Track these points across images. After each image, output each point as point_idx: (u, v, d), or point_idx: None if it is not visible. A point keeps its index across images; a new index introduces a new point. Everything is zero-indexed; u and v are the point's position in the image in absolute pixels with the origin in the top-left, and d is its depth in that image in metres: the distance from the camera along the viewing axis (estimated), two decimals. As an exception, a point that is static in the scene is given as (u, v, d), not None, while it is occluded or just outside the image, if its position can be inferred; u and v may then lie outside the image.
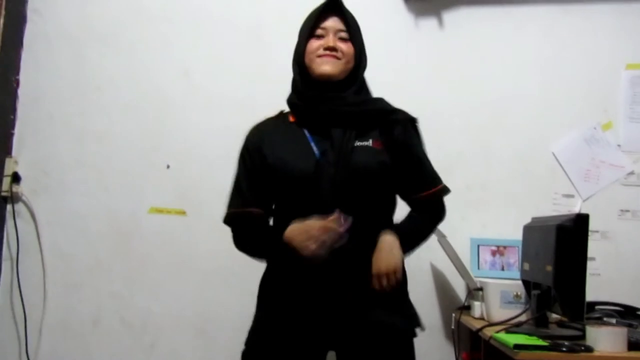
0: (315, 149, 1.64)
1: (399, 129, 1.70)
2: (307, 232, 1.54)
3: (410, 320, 1.73)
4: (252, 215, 1.67)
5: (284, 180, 1.63)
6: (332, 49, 1.66)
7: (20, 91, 2.56)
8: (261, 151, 1.68)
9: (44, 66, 2.58)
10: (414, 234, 1.73)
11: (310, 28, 1.69)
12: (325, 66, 1.66)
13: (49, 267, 2.49)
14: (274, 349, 1.63)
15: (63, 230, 2.51)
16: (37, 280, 2.48)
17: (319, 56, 1.66)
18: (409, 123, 1.74)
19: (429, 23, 2.57)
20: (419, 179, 1.72)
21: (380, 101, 1.74)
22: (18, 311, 2.47)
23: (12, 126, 2.53)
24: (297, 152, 1.64)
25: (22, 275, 2.47)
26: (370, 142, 1.65)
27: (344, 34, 1.70)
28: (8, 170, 2.48)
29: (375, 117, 1.70)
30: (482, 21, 2.56)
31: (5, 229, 2.51)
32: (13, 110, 2.54)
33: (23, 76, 2.57)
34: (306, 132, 1.68)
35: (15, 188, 2.48)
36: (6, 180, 2.47)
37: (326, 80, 1.67)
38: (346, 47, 1.69)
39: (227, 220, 1.71)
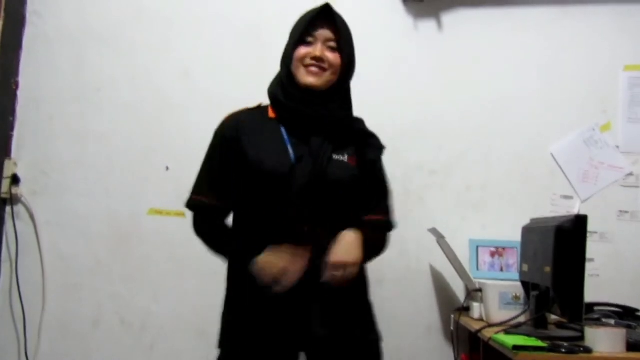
0: (291, 152, 1.62)
1: (373, 154, 1.73)
2: (280, 268, 1.54)
3: (371, 332, 1.71)
4: (220, 209, 1.68)
5: (257, 178, 1.61)
6: (319, 59, 1.64)
7: (19, 93, 2.55)
8: (238, 143, 1.65)
9: (44, 68, 2.57)
10: (374, 243, 1.69)
11: (300, 34, 1.67)
12: (310, 78, 1.65)
13: (49, 268, 2.48)
14: (247, 351, 1.61)
15: (62, 231, 2.50)
16: (36, 281, 2.47)
17: (305, 65, 1.65)
18: (382, 151, 1.76)
19: (428, 25, 2.57)
20: (375, 203, 1.72)
21: (362, 122, 1.75)
22: (17, 312, 2.45)
23: (12, 128, 2.52)
24: (274, 152, 1.63)
25: (21, 277, 2.46)
26: (345, 158, 1.66)
27: (332, 44, 1.67)
28: (7, 172, 2.46)
29: (354, 136, 1.71)
30: (480, 23, 2.57)
31: (4, 230, 2.49)
32: (12, 111, 2.53)
33: (22, 78, 2.56)
34: (284, 131, 1.65)
35: (14, 190, 2.47)
36: (5, 182, 2.46)
37: (309, 89, 1.65)
38: (333, 58, 1.67)
39: (192, 205, 1.70)
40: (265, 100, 1.73)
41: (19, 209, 2.50)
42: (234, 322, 1.65)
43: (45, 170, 2.51)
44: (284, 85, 1.69)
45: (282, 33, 1.74)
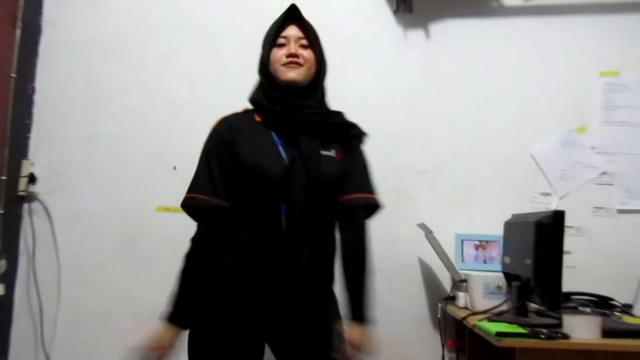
0: (283, 154, 1.63)
1: (356, 142, 1.74)
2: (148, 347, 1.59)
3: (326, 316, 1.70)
4: (218, 208, 1.63)
5: (256, 181, 1.61)
6: (294, 55, 1.66)
7: (35, 97, 2.57)
8: (233, 147, 1.64)
9: (58, 74, 2.58)
10: (367, 300, 1.68)
11: (273, 37, 1.69)
12: (291, 73, 1.65)
13: (64, 262, 2.50)
14: (217, 337, 1.63)
15: (77, 227, 2.51)
16: (52, 275, 2.49)
17: (284, 64, 1.66)
18: (363, 138, 1.76)
19: (417, 34, 2.58)
20: (354, 182, 1.70)
21: (342, 115, 1.75)
22: (34, 304, 2.48)
23: (29, 130, 2.54)
24: (269, 155, 1.63)
25: (38, 270, 2.49)
26: (333, 153, 1.67)
27: (304, 42, 1.69)
28: (24, 171, 2.48)
29: (337, 130, 1.72)
30: (466, 33, 2.58)
31: (22, 226, 2.51)
32: (29, 115, 2.55)
33: (38, 83, 2.58)
34: (274, 134, 1.66)
35: (31, 188, 2.49)
36: (23, 181, 2.48)
37: (292, 87, 1.66)
38: (307, 54, 1.68)
39: (188, 204, 1.67)
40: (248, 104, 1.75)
41: (36, 206, 2.52)
42: (205, 307, 1.64)
43: (60, 170, 2.53)
44: (266, 89, 1.69)
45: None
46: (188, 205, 1.68)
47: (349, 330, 1.58)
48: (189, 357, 1.66)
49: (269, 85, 1.69)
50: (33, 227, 2.51)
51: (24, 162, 2.50)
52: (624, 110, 2.52)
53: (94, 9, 2.62)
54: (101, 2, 2.62)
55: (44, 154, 2.54)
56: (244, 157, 1.62)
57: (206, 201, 1.64)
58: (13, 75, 2.41)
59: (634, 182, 2.49)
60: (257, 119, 1.70)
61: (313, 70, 1.70)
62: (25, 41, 2.48)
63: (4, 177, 2.37)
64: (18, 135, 2.47)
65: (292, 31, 1.70)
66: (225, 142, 1.66)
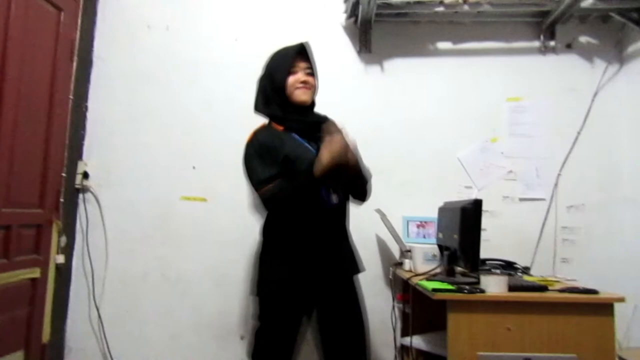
0: (309, 147, 1.64)
1: None
2: (329, 147, 1.51)
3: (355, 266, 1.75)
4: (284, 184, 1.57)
5: (297, 167, 1.58)
6: (305, 82, 1.67)
7: (88, 114, 2.52)
8: (280, 149, 1.61)
9: (106, 96, 2.54)
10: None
11: (289, 66, 1.67)
12: (304, 96, 1.66)
13: (110, 238, 2.47)
14: (285, 300, 1.61)
15: (120, 212, 2.48)
16: (101, 248, 2.46)
17: (297, 88, 1.65)
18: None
19: (374, 69, 2.57)
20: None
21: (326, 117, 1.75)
22: (87, 270, 2.44)
23: (83, 138, 2.50)
24: (304, 150, 1.63)
25: (90, 244, 2.45)
26: None
27: (309, 70, 1.69)
28: (80, 169, 2.44)
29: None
30: (411, 68, 2.57)
31: (78, 212, 2.47)
32: (83, 127, 2.50)
33: (90, 103, 2.53)
34: (296, 136, 1.66)
35: (85, 182, 2.46)
36: (78, 177, 2.44)
37: (304, 105, 1.67)
38: (312, 80, 1.69)
39: (268, 195, 1.56)
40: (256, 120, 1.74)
41: (89, 196, 2.48)
42: (278, 279, 1.60)
43: (108, 169, 2.49)
44: (284, 106, 1.67)
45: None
46: (266, 197, 1.56)
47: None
48: (261, 320, 1.62)
49: (285, 102, 1.66)
50: (87, 212, 2.46)
51: (80, 163, 2.46)
52: (524, 126, 2.53)
53: (133, 47, 2.57)
54: (139, 42, 2.57)
55: (94, 157, 2.50)
56: (289, 152, 1.59)
57: (275, 185, 1.56)
58: (71, 97, 2.36)
59: (531, 178, 2.50)
60: (280, 128, 1.66)
61: (315, 92, 1.71)
62: (80, 71, 2.42)
63: (64, 174, 2.33)
64: (75, 143, 2.43)
65: (301, 62, 1.68)
66: (271, 145, 1.61)
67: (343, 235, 1.73)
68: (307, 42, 1.71)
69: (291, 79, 1.66)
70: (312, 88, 1.69)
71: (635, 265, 2.36)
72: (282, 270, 1.61)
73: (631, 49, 2.47)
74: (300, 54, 1.69)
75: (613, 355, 1.59)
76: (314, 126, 1.66)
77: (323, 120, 1.70)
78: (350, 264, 1.73)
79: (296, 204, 1.58)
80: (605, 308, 1.60)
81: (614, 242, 2.44)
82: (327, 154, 1.51)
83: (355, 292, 1.72)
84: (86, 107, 2.52)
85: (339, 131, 1.56)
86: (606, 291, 1.69)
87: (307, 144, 1.65)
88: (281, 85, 1.65)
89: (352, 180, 1.69)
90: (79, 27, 2.40)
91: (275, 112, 1.68)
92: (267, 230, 1.69)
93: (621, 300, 1.61)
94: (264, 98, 1.70)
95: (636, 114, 2.42)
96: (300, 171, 1.56)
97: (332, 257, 1.65)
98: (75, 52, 2.37)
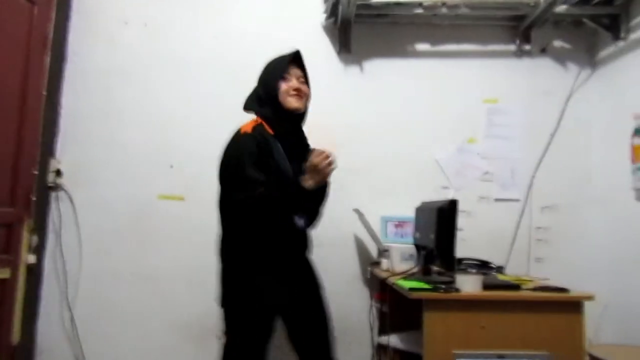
0: (287, 163, 1.62)
1: None
2: (316, 171, 1.53)
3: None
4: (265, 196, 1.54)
5: (280, 179, 1.58)
6: (299, 89, 1.67)
7: (62, 110, 2.46)
8: (271, 151, 1.59)
9: (80, 93, 2.48)
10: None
11: (281, 73, 1.66)
12: (297, 103, 1.67)
13: (84, 237, 2.42)
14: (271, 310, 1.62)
15: (94, 210, 2.43)
16: (74, 247, 2.41)
17: (290, 95, 1.66)
18: None
19: (354, 69, 2.57)
20: None
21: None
22: (60, 270, 2.39)
23: (56, 135, 2.44)
24: (286, 162, 1.62)
25: (63, 244, 2.40)
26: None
27: (302, 79, 1.70)
28: (53, 167, 2.39)
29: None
30: (389, 69, 2.58)
31: (50, 210, 2.42)
32: (57, 123, 2.45)
33: (64, 99, 2.47)
34: (281, 148, 1.63)
35: (58, 180, 2.40)
36: (51, 175, 2.38)
37: (296, 112, 1.68)
38: (305, 88, 1.70)
39: (254, 201, 1.52)
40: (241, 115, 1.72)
41: (62, 194, 2.42)
42: (265, 287, 1.58)
43: (81, 167, 2.44)
44: (276, 111, 1.66)
45: (255, 73, 1.76)
46: (252, 203, 1.53)
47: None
48: (238, 328, 1.60)
49: (277, 108, 1.65)
50: (59, 211, 2.41)
51: (52, 160, 2.40)
52: (500, 128, 2.55)
53: (109, 43, 2.52)
54: (116, 38, 2.53)
55: (68, 154, 2.45)
56: (277, 160, 1.58)
57: (259, 196, 1.53)
58: (44, 92, 2.30)
59: (506, 179, 2.53)
60: (269, 131, 1.64)
61: (308, 100, 1.71)
62: (54, 67, 2.36)
63: (36, 172, 2.27)
64: (47, 139, 2.37)
65: (295, 70, 1.69)
66: (261, 147, 1.58)
67: (307, 258, 1.78)
68: (299, 50, 1.72)
69: (284, 86, 1.66)
70: (305, 96, 1.69)
71: (605, 264, 2.42)
72: (261, 283, 1.59)
73: (602, 54, 2.53)
74: (294, 61, 1.70)
75: (583, 351, 1.62)
76: (300, 145, 1.68)
77: (307, 144, 1.74)
78: (317, 281, 1.79)
79: (277, 217, 1.56)
80: (575, 306, 1.63)
81: (585, 242, 2.49)
82: (314, 176, 1.53)
83: (321, 300, 1.77)
84: (60, 103, 2.46)
85: (326, 161, 1.56)
86: (577, 289, 1.73)
87: (287, 161, 1.63)
88: (274, 91, 1.65)
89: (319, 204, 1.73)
90: (52, 21, 2.33)
91: (268, 113, 1.67)
92: (239, 243, 1.63)
93: (590, 298, 1.64)
94: (258, 99, 1.70)
95: (607, 118, 2.48)
96: (288, 184, 1.55)
97: (302, 275, 1.71)
98: (49, 46, 2.31)
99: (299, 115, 1.70)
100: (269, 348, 1.61)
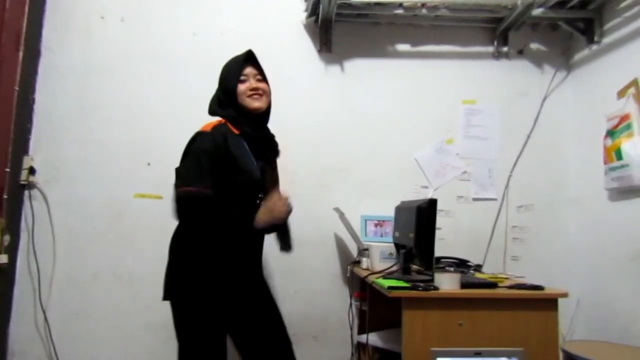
0: (255, 163, 1.62)
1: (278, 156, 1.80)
2: (272, 210, 1.55)
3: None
4: (211, 196, 1.53)
5: (242, 180, 1.57)
6: (256, 89, 1.66)
7: (35, 107, 2.40)
8: (228, 150, 1.57)
9: (55, 89, 2.42)
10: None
11: (237, 75, 1.66)
12: (257, 103, 1.66)
13: (58, 237, 2.36)
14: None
15: (69, 209, 2.38)
16: (48, 247, 2.35)
17: (249, 96, 1.65)
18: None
19: (335, 69, 2.57)
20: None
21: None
22: (33, 270, 2.33)
23: (29, 132, 2.38)
24: (251, 162, 1.61)
25: (36, 243, 2.33)
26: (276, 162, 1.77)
27: (259, 77, 1.69)
28: (26, 165, 2.33)
29: (277, 149, 1.78)
30: (370, 69, 2.58)
31: (23, 209, 2.35)
32: (30, 120, 2.38)
33: (38, 95, 2.41)
34: (245, 144, 1.63)
35: (31, 178, 2.34)
36: (24, 173, 2.32)
37: (258, 112, 1.66)
38: (263, 86, 1.68)
39: (187, 195, 1.51)
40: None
41: (35, 192, 2.36)
42: (217, 290, 1.58)
43: (55, 165, 2.38)
44: (236, 110, 1.65)
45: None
46: (184, 198, 1.52)
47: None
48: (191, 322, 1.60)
49: (239, 109, 1.65)
50: (32, 209, 2.34)
51: (25, 158, 2.34)
52: (478, 128, 2.58)
53: (85, 38, 2.46)
54: (92, 33, 2.47)
55: (42, 151, 2.38)
56: (236, 160, 1.57)
57: (198, 192, 1.51)
58: (17, 88, 2.24)
59: (484, 179, 2.56)
60: (235, 131, 1.63)
61: (270, 97, 1.70)
62: (27, 61, 2.31)
63: (8, 169, 2.21)
64: (20, 136, 2.31)
65: (250, 70, 1.67)
66: (219, 144, 1.56)
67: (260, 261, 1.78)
68: (251, 50, 1.71)
69: (241, 88, 1.66)
70: (265, 94, 1.68)
71: (579, 262, 2.47)
72: (208, 285, 1.58)
73: (577, 57, 2.59)
74: (248, 61, 1.68)
75: (557, 347, 1.66)
76: (266, 141, 1.68)
77: (273, 137, 1.74)
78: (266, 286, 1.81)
79: (212, 227, 1.56)
80: (550, 303, 1.66)
81: (559, 240, 2.55)
82: (268, 217, 1.54)
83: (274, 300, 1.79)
84: (33, 100, 2.40)
85: (283, 200, 1.56)
86: (552, 287, 1.76)
87: (253, 158, 1.62)
88: (232, 94, 1.65)
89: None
90: (26, 16, 2.28)
91: (231, 114, 1.67)
92: (190, 239, 1.63)
93: (564, 295, 1.68)
94: (219, 102, 1.69)
95: (581, 119, 2.54)
96: (241, 217, 1.54)
97: (255, 277, 1.72)
98: (22, 41, 2.26)
99: (263, 114, 1.69)
100: (224, 342, 1.62)
